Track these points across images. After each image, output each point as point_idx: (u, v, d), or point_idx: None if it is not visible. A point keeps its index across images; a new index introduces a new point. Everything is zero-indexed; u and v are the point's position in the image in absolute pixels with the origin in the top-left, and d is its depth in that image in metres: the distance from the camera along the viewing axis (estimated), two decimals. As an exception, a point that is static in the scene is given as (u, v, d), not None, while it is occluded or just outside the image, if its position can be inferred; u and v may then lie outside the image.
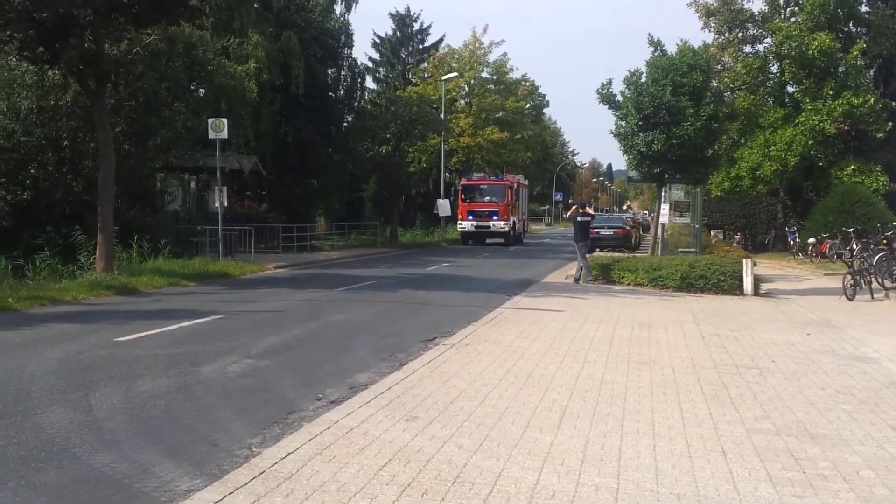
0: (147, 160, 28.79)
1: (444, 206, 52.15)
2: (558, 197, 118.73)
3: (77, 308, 17.37)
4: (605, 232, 43.63)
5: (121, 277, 21.19)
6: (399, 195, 50.95)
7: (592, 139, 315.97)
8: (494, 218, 49.60)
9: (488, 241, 50.90)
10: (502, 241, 50.22)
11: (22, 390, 9.42)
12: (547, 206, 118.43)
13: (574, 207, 27.91)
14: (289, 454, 6.83)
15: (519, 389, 9.56)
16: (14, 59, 25.72)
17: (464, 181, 52.42)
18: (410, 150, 50.61)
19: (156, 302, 18.58)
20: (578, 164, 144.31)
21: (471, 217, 50.00)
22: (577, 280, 24.95)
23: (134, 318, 15.56)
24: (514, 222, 51.34)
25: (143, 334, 13.50)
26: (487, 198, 50.15)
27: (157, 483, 6.28)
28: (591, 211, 28.69)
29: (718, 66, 43.05)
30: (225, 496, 5.82)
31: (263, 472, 6.37)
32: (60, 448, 7.17)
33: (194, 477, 6.37)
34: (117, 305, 17.92)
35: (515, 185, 53.55)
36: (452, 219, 54.89)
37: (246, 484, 6.08)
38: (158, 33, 26.57)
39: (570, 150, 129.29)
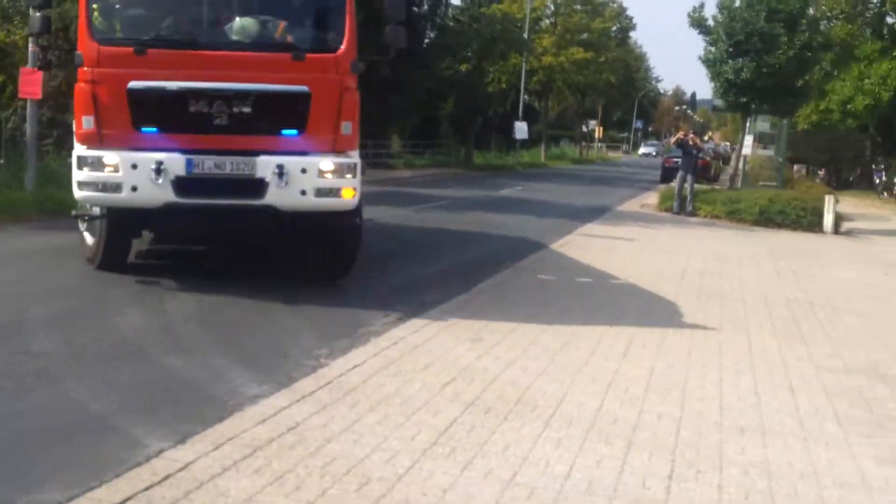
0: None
1: (521, 129, 50.55)
2: (638, 124, 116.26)
3: None
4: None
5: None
6: (476, 115, 50.15)
7: (678, 66, 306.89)
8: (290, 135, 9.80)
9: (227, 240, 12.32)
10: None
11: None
12: (626, 134, 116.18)
13: (689, 136, 25.56)
14: (355, 366, 6.94)
15: (586, 319, 9.52)
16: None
17: None
18: (491, 69, 49.91)
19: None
20: (662, 90, 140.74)
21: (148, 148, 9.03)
22: (684, 212, 23.45)
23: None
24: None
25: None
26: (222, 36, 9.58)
27: (226, 388, 6.43)
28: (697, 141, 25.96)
29: (817, -7, 41.46)
30: (292, 403, 5.95)
31: (330, 382, 6.49)
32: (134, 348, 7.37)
33: (263, 384, 6.50)
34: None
35: None
36: (531, 142, 52.11)
37: (313, 393, 6.21)
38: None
39: (655, 76, 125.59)
